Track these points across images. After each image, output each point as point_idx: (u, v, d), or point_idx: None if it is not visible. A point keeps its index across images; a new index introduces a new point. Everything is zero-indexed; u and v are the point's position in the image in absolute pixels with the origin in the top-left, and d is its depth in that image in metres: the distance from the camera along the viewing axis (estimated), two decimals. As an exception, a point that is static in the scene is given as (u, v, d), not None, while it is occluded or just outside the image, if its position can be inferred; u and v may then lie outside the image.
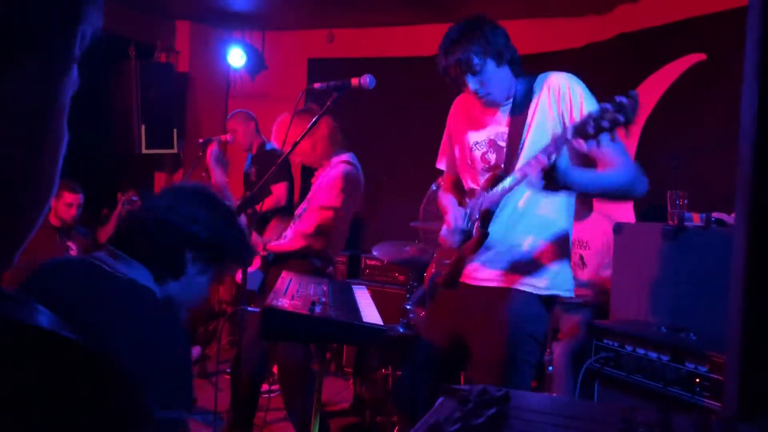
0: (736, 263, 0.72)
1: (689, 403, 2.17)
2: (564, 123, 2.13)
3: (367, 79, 2.43)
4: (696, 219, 2.70)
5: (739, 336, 0.73)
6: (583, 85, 2.17)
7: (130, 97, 5.15)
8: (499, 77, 2.15)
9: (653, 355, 2.33)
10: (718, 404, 2.08)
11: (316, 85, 2.51)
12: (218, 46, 5.86)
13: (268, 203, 4.08)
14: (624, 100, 1.69)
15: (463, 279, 2.31)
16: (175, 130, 5.37)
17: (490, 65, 2.12)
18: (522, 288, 2.17)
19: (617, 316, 2.89)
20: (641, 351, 2.38)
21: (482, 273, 2.24)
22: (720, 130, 3.60)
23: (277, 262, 3.26)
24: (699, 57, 4.03)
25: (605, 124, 1.71)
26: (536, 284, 2.17)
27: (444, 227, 2.30)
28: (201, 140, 3.79)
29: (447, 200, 2.41)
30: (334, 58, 5.65)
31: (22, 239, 0.54)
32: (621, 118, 1.71)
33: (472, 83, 2.13)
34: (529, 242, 2.19)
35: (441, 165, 2.57)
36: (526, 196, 2.18)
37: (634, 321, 2.74)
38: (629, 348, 2.42)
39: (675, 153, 3.35)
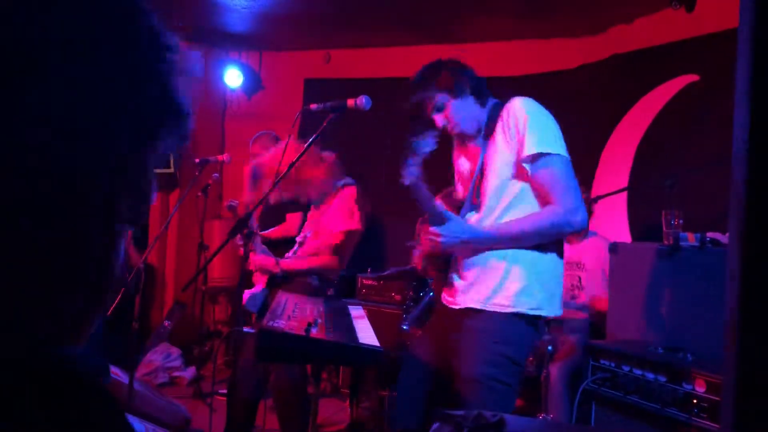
0: (731, 283, 0.72)
1: (687, 424, 2.16)
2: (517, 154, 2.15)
3: (363, 100, 2.44)
4: (691, 239, 2.71)
5: (735, 356, 0.73)
6: (533, 112, 2.15)
7: (126, 117, 5.15)
8: (462, 108, 2.26)
9: (650, 375, 2.32)
10: (716, 425, 2.06)
11: (312, 106, 2.52)
12: (215, 66, 5.89)
13: (278, 231, 4.01)
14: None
15: (444, 302, 2.34)
16: (171, 150, 5.37)
17: (453, 102, 2.25)
18: (490, 309, 2.18)
19: (614, 336, 2.88)
20: (638, 371, 2.37)
21: (458, 297, 2.28)
22: (714, 150, 3.62)
23: (284, 281, 3.26)
24: (692, 78, 4.07)
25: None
26: (502, 302, 2.17)
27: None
28: (197, 160, 3.79)
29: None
30: (331, 79, 5.67)
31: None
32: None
33: (439, 120, 2.29)
34: (496, 263, 2.19)
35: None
36: (492, 218, 2.21)
37: (631, 341, 2.74)
38: (626, 368, 2.41)
39: (669, 173, 3.36)
